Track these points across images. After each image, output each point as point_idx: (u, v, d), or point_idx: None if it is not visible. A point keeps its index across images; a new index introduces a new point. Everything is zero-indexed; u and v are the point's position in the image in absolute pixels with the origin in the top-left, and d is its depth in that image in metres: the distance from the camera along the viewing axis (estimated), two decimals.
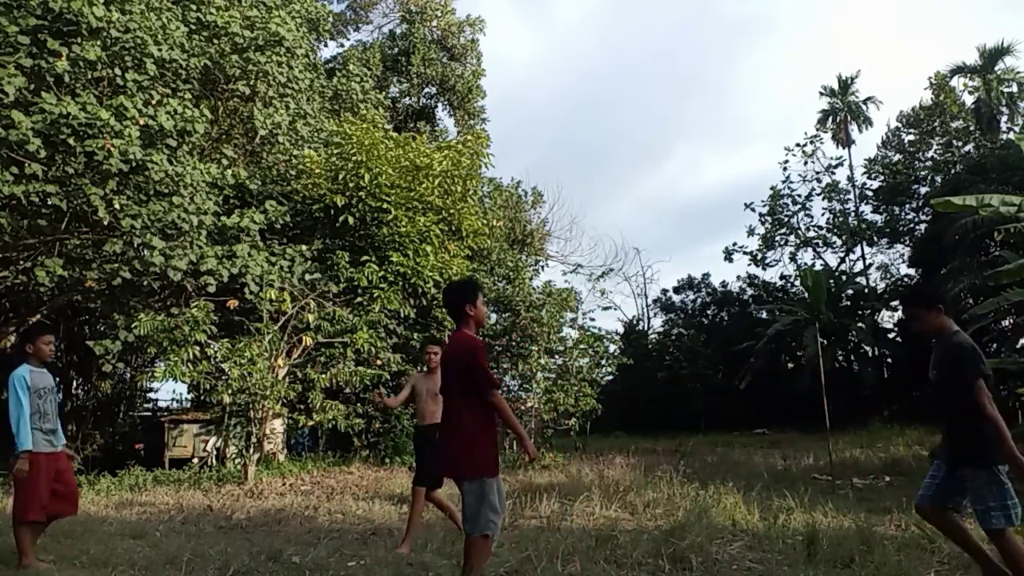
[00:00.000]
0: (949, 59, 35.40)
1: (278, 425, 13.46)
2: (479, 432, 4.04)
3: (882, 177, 28.46)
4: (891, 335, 26.17)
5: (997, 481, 3.87)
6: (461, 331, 4.28)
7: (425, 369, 6.33)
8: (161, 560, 5.25)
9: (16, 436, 4.98)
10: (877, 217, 28.84)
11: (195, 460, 13.26)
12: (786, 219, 29.96)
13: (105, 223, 9.81)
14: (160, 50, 10.86)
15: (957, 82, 27.48)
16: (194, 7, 12.83)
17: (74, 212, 9.90)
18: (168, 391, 28.75)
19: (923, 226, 26.20)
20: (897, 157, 28.74)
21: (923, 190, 26.59)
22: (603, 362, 17.59)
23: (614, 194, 59.76)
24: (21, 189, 9.08)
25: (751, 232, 30.18)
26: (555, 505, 7.71)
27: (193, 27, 12.66)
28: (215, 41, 13.07)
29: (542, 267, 25.59)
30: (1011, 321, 16.00)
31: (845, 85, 31.29)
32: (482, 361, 4.06)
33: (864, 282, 27.71)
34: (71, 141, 9.09)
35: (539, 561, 4.96)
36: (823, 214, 29.52)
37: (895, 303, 27.33)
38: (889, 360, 25.87)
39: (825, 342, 18.53)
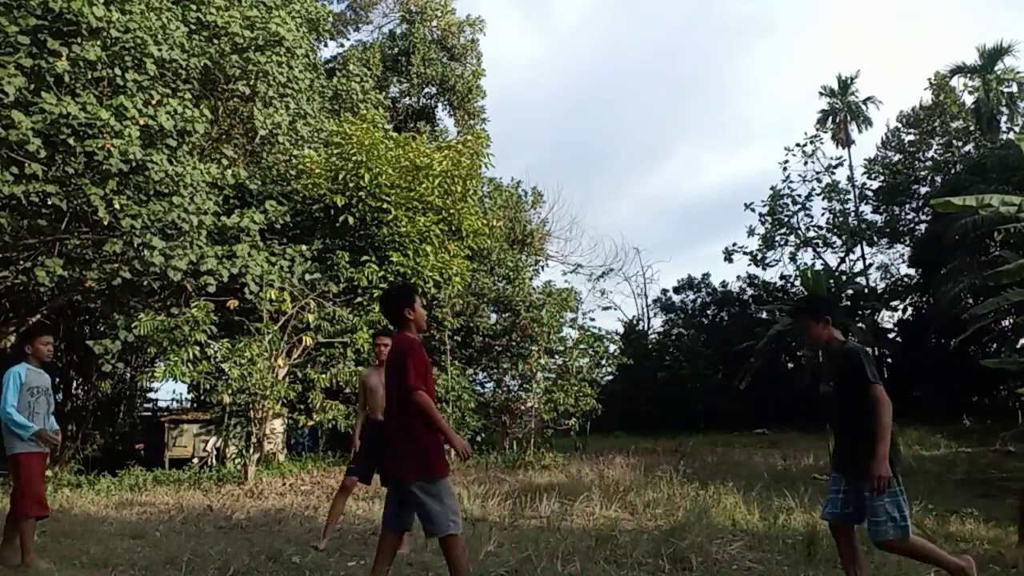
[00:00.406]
0: (949, 59, 35.38)
1: (278, 425, 13.46)
2: (428, 433, 4.03)
3: (882, 177, 28.45)
4: (891, 335, 26.18)
5: (891, 493, 3.87)
6: (401, 333, 4.28)
7: (377, 362, 6.20)
8: (161, 560, 5.25)
9: (8, 425, 5.03)
10: (877, 217, 28.85)
11: (195, 460, 13.26)
12: (786, 219, 29.95)
13: (105, 223, 9.81)
14: (160, 50, 10.86)
15: (957, 82, 27.49)
16: (194, 7, 12.83)
17: (74, 212, 9.90)
18: (168, 391, 28.76)
19: (923, 226, 26.19)
20: (897, 157, 28.73)
21: (923, 190, 26.59)
22: (603, 362, 17.59)
23: (614, 194, 59.80)
24: (21, 189, 9.08)
25: (751, 232, 30.18)
26: (555, 505, 7.71)
27: (193, 27, 12.66)
28: (215, 41, 13.07)
29: (542, 267, 25.64)
30: (1011, 321, 16.00)
31: (845, 85, 31.28)
32: (412, 359, 4.01)
33: (864, 282, 27.69)
34: (71, 141, 9.08)
35: (539, 561, 4.97)
36: (823, 214, 29.54)
37: (895, 303, 27.35)
38: (889, 360, 25.86)
39: None
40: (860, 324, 24.44)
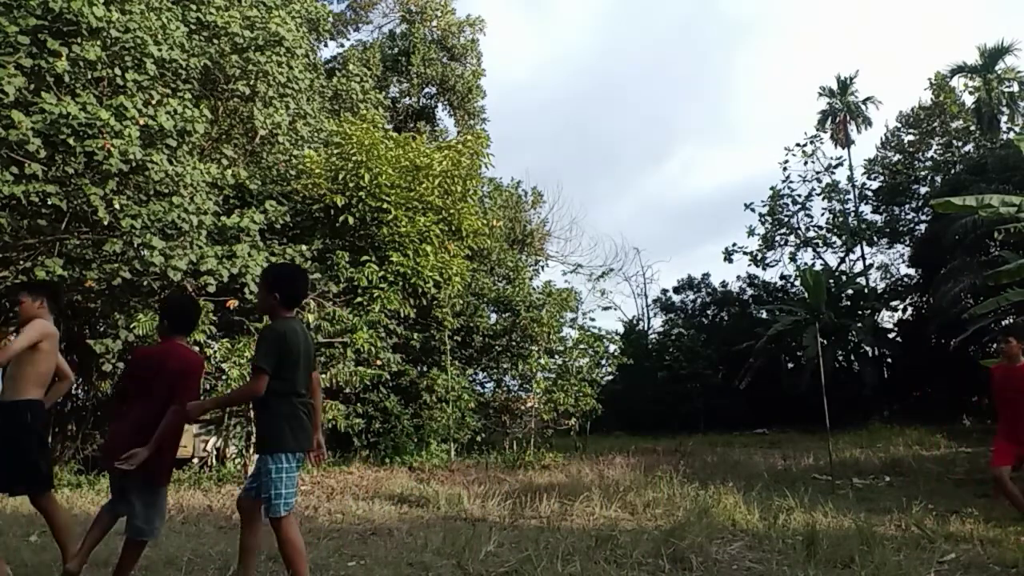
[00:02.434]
0: (949, 59, 35.43)
1: None
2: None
3: (882, 177, 28.46)
4: (891, 335, 26.18)
5: (278, 469, 3.94)
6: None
7: None
8: (161, 560, 5.24)
9: None
10: (877, 217, 28.85)
11: (195, 460, 13.25)
12: (786, 219, 29.96)
13: (105, 223, 9.81)
14: (160, 50, 10.85)
15: (957, 82, 27.48)
16: (194, 7, 12.83)
17: (74, 212, 9.90)
18: None
19: (923, 226, 26.18)
20: (897, 157, 28.72)
21: (923, 190, 26.59)
22: (603, 362, 17.60)
23: (614, 194, 59.82)
24: (21, 189, 9.07)
25: (751, 232, 30.19)
26: (555, 505, 7.71)
27: (193, 27, 12.66)
28: (215, 41, 13.07)
29: (542, 267, 25.66)
30: (1011, 321, 15.97)
31: (845, 85, 31.28)
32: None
33: (864, 282, 27.69)
34: (71, 141, 9.08)
35: (539, 561, 4.96)
36: (823, 214, 29.56)
37: (895, 303, 27.35)
38: (889, 360, 25.86)
39: (825, 342, 18.51)
40: (860, 324, 24.47)
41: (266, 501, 3.96)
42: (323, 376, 12.17)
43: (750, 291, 30.73)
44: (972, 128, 26.61)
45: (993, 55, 26.33)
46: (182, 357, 4.40)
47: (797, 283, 27.98)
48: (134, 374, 4.51)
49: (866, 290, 26.95)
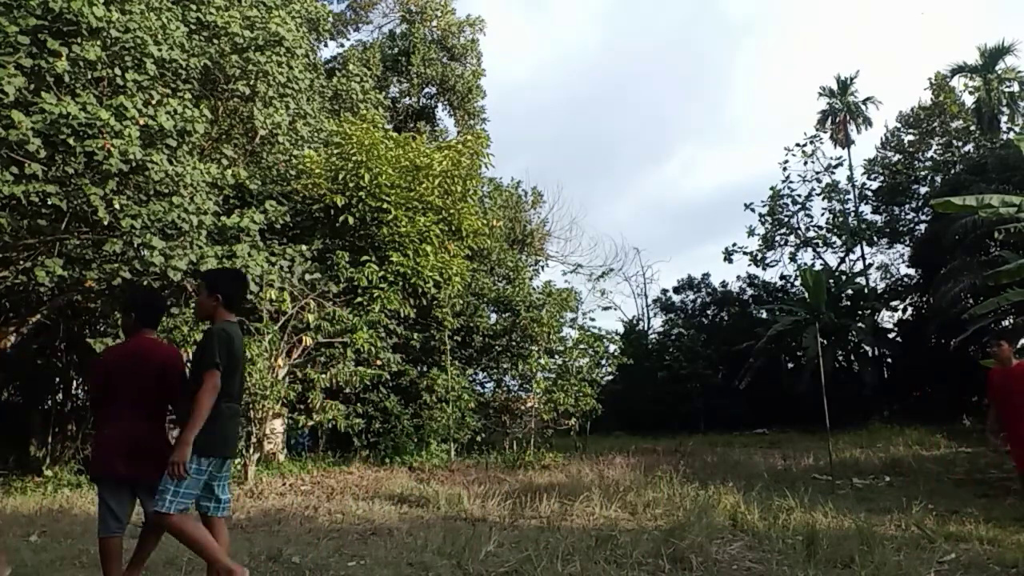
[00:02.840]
0: (949, 59, 35.41)
1: (278, 425, 13.45)
2: None
3: (882, 177, 28.45)
4: (891, 335, 26.17)
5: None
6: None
7: None
8: (161, 560, 5.24)
9: None
10: (877, 217, 28.83)
11: None
12: (786, 219, 29.95)
13: (105, 223, 9.80)
14: (160, 50, 10.85)
15: (957, 82, 27.46)
16: (194, 7, 12.83)
17: (74, 212, 9.89)
18: None
19: (923, 226, 26.17)
20: (897, 157, 28.71)
21: (923, 190, 26.57)
22: (603, 362, 17.59)
23: (614, 194, 59.84)
24: (21, 189, 9.07)
25: (751, 232, 30.18)
26: (555, 505, 7.71)
27: (193, 27, 12.65)
28: (215, 41, 13.06)
29: (542, 267, 25.68)
30: (1011, 321, 15.97)
31: (844, 85, 31.27)
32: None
33: (864, 282, 27.69)
34: (71, 141, 9.08)
35: (539, 561, 4.96)
36: (823, 214, 29.53)
37: (895, 303, 27.34)
38: (889, 360, 25.86)
39: (825, 342, 18.52)
40: (860, 324, 24.47)
41: (159, 494, 3.84)
42: (323, 376, 12.16)
43: (750, 291, 30.73)
44: (972, 128, 26.60)
45: (993, 55, 26.32)
46: (165, 351, 4.36)
47: (797, 283, 27.99)
48: (112, 373, 4.21)
49: (866, 290, 26.95)
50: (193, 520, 4.02)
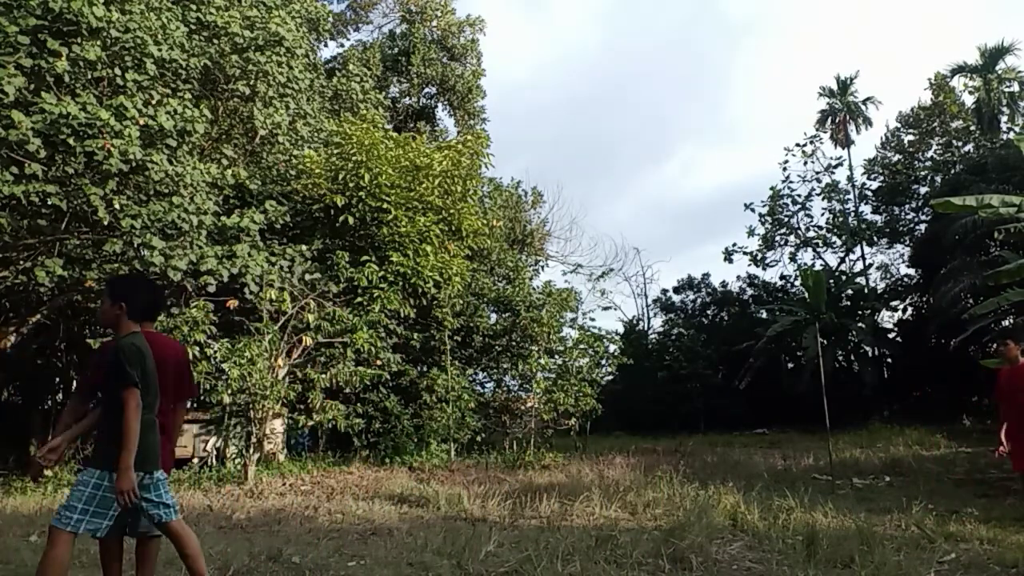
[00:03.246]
0: (949, 59, 35.41)
1: (278, 425, 13.45)
2: None
3: (882, 177, 28.45)
4: (891, 335, 26.18)
5: (87, 483, 3.67)
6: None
7: None
8: (161, 560, 5.23)
9: None
10: (877, 217, 28.85)
11: (195, 460, 13.24)
12: (786, 219, 29.96)
13: (105, 223, 9.81)
14: (160, 50, 10.86)
15: (957, 82, 27.45)
16: (194, 7, 12.83)
17: (74, 212, 9.90)
18: None
19: (923, 226, 26.18)
20: (897, 157, 28.72)
21: (923, 190, 26.58)
22: (603, 362, 17.59)
23: (614, 194, 59.86)
24: (21, 189, 9.07)
25: (751, 232, 30.20)
26: (555, 505, 7.71)
27: (193, 27, 12.66)
28: (215, 41, 13.07)
29: (542, 267, 25.69)
30: (1011, 321, 15.97)
31: (844, 85, 31.27)
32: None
33: (864, 282, 27.70)
34: (71, 141, 9.08)
35: (539, 561, 4.96)
36: (823, 214, 29.56)
37: (895, 303, 27.35)
38: (889, 360, 25.86)
39: (825, 342, 18.51)
40: (860, 324, 24.47)
41: (59, 508, 3.64)
42: (323, 376, 12.16)
43: (750, 291, 30.74)
44: (972, 128, 26.60)
45: (993, 55, 26.31)
46: (173, 347, 4.27)
47: (797, 283, 28.00)
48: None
49: (866, 290, 26.96)
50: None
